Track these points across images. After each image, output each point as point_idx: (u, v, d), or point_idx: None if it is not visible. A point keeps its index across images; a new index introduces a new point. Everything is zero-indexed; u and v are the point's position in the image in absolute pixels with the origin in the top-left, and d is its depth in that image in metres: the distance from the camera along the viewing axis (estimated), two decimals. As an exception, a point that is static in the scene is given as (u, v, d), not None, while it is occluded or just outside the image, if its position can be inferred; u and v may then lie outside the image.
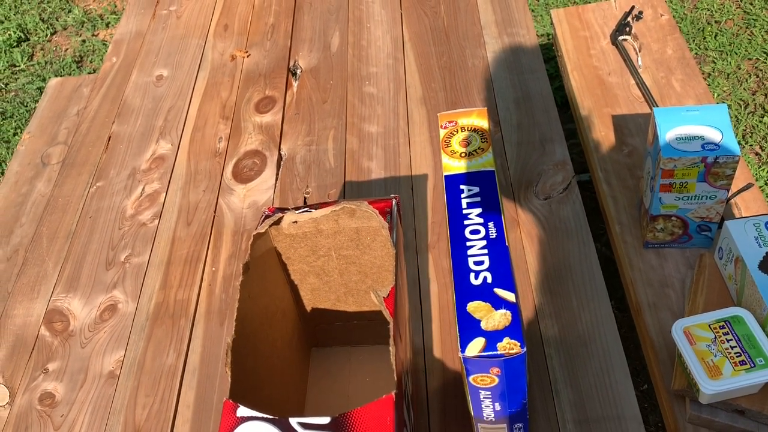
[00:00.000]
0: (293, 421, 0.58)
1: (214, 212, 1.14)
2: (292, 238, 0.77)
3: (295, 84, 1.34)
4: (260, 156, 1.22)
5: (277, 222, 0.74)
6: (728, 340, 0.80)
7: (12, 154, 1.94)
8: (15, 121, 2.35)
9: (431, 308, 0.95)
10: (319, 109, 1.28)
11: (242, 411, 0.59)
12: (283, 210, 0.75)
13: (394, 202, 0.75)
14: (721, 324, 0.81)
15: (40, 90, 2.43)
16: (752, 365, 0.77)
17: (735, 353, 0.79)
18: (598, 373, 0.86)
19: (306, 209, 0.74)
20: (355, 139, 1.21)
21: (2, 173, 1.99)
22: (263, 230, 0.73)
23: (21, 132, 2.32)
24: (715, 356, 0.79)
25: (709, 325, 0.81)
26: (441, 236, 1.03)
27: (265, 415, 0.59)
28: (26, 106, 2.38)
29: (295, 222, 0.75)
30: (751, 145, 1.75)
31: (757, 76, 1.95)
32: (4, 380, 0.97)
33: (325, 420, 0.58)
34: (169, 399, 0.92)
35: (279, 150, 1.22)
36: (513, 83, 1.24)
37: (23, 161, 1.32)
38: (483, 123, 0.86)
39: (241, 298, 0.67)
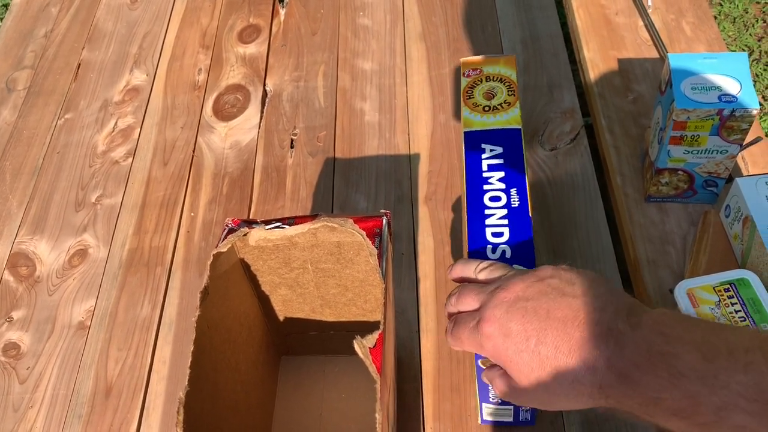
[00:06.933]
0: None
1: (193, 152, 1.06)
2: (261, 250, 0.67)
3: (282, 12, 1.23)
4: (243, 91, 1.12)
5: (243, 236, 0.66)
6: (733, 304, 0.75)
7: (-26, 77, 1.81)
8: (-22, 40, 2.19)
9: (426, 264, 0.89)
10: (308, 41, 1.18)
11: None
12: (250, 224, 0.66)
13: (384, 221, 0.65)
14: (726, 287, 0.77)
15: (6, 6, 2.26)
16: (757, 331, 0.73)
17: (739, 318, 0.75)
18: (603, 340, 0.82)
19: (278, 224, 0.65)
20: (347, 77, 1.12)
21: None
22: (224, 249, 0.63)
23: (-15, 52, 2.17)
24: (718, 320, 0.74)
25: (714, 288, 0.77)
26: (438, 187, 0.96)
27: None
28: (-10, 24, 2.22)
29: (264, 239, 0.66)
30: (755, 95, 1.69)
31: (764, 21, 1.87)
32: (-36, 328, 0.90)
33: None
34: (143, 353, 0.86)
35: (264, 85, 1.13)
36: (520, 21, 1.15)
37: (-15, 86, 1.21)
38: (511, 72, 0.77)
39: (197, 335, 0.58)
